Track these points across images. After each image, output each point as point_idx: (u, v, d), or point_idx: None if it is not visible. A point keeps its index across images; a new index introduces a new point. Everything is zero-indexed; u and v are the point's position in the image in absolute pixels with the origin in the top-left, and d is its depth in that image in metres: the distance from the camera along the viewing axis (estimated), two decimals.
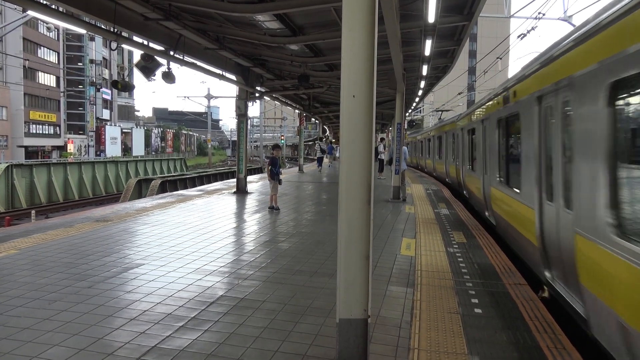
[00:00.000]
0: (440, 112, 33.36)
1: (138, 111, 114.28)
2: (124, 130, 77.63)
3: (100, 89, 72.60)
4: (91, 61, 70.65)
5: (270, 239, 8.80)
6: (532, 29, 14.67)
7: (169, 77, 11.23)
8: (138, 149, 77.63)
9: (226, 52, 12.67)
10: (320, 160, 32.22)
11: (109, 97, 78.81)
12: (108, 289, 5.59)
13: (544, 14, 13.14)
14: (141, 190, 24.00)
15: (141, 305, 5.07)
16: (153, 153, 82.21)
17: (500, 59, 19.99)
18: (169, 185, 23.16)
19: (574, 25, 14.06)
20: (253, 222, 10.56)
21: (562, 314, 5.62)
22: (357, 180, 3.49)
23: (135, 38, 10.12)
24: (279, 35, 11.69)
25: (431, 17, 8.18)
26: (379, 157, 24.48)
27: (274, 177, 12.22)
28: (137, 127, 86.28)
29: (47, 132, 61.93)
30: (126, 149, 75.18)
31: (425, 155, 30.92)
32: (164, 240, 8.26)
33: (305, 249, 7.96)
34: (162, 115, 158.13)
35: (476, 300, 5.58)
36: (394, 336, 4.50)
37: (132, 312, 4.84)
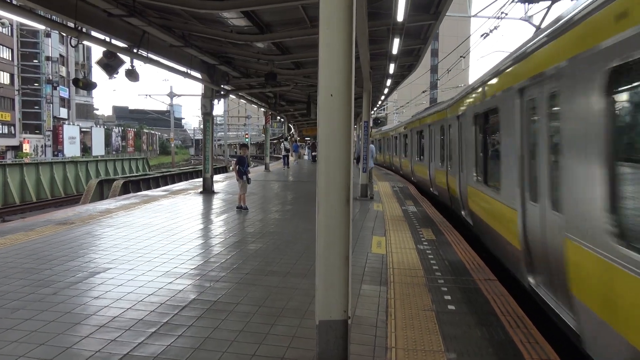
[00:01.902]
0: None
1: (97, 110, 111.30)
2: (82, 130, 75.40)
3: (57, 87, 70.28)
4: (47, 58, 68.30)
5: (240, 239, 8.68)
6: (495, 28, 14.98)
7: (132, 75, 10.92)
8: (98, 149, 75.55)
9: (192, 49, 12.44)
10: (285, 159, 32.52)
11: (66, 95, 76.37)
12: (74, 295, 5.38)
13: (506, 14, 13.42)
14: (103, 191, 23.33)
15: (110, 311, 4.89)
16: (114, 153, 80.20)
17: (464, 57, 20.34)
18: (131, 186, 22.60)
19: (534, 25, 14.42)
20: (222, 223, 10.40)
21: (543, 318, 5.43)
22: (335, 180, 3.45)
23: (97, 34, 9.78)
24: (246, 32, 11.55)
25: (400, 16, 8.23)
26: None
27: (242, 176, 12.07)
28: (96, 126, 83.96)
29: (0, 132, 59.58)
30: (85, 149, 73.05)
31: (392, 153, 31.05)
32: (131, 243, 8.03)
33: (276, 249, 7.89)
34: (123, 114, 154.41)
35: (449, 297, 5.64)
36: (370, 336, 4.49)
37: (101, 319, 4.67)
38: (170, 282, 5.93)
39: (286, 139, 39.87)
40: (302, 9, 9.80)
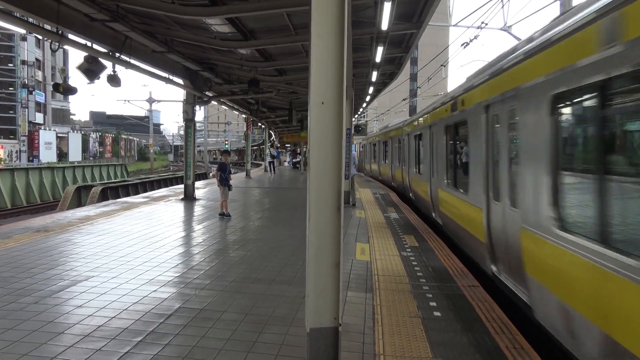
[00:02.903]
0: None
1: (74, 115, 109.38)
2: (59, 135, 74.03)
3: (33, 92, 68.96)
4: (23, 62, 67.02)
5: (224, 246, 8.63)
6: (475, 37, 15.22)
7: (114, 80, 10.80)
8: (75, 155, 74.21)
9: (174, 55, 12.36)
10: (271, 165, 33.43)
11: (42, 100, 74.98)
12: (56, 304, 5.28)
13: (486, 24, 13.66)
14: (80, 197, 22.95)
15: (94, 320, 4.81)
16: (91, 158, 78.87)
17: (444, 66, 20.61)
18: (110, 192, 22.28)
19: (513, 36, 14.71)
20: (205, 230, 10.32)
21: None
22: (327, 187, 3.46)
23: (78, 39, 9.65)
24: (230, 39, 11.52)
25: (384, 25, 8.31)
26: None
27: (224, 183, 12.01)
28: (73, 132, 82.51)
29: None
30: (62, 155, 71.73)
31: (371, 159, 31.53)
32: (113, 251, 7.91)
33: (261, 256, 7.85)
34: (100, 119, 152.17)
35: (434, 304, 5.68)
36: (358, 343, 4.49)
37: (85, 328, 4.59)
38: (155, 290, 5.86)
39: (272, 145, 40.09)
40: (286, 16, 9.83)
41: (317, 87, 3.44)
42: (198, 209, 13.71)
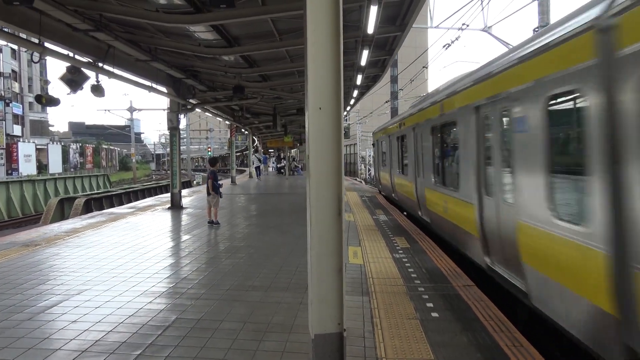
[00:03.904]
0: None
1: (52, 126, 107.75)
2: (38, 147, 72.80)
3: (10, 104, 67.76)
4: None
5: (216, 255, 8.56)
6: (457, 38, 15.38)
7: (98, 90, 10.67)
8: (55, 166, 72.90)
9: (158, 63, 12.27)
10: (257, 170, 34.21)
11: (20, 112, 73.74)
12: (50, 319, 5.18)
13: (467, 25, 13.81)
14: (64, 210, 22.57)
15: (91, 335, 4.73)
16: (72, 170, 77.64)
17: (426, 68, 20.77)
18: (94, 204, 21.95)
19: (494, 36, 14.90)
20: (195, 238, 10.23)
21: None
22: (327, 193, 3.46)
23: (60, 49, 9.52)
24: (214, 46, 11.48)
25: (370, 29, 8.35)
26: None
27: (216, 190, 11.95)
28: (52, 143, 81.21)
29: None
30: (41, 167, 70.53)
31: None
32: (103, 263, 7.80)
33: (254, 263, 7.81)
34: (80, 130, 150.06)
35: (431, 305, 5.71)
36: (359, 347, 4.50)
37: (82, 344, 4.51)
38: (150, 302, 5.79)
39: (256, 151, 40.25)
40: (271, 22, 9.83)
41: (314, 93, 3.44)
42: (186, 218, 13.60)
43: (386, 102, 36.17)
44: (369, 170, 50.77)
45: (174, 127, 15.90)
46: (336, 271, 3.50)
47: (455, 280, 6.75)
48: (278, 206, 16.62)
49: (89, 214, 15.40)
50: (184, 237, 10.47)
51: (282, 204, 17.34)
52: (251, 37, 11.31)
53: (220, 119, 28.17)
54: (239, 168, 52.82)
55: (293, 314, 5.33)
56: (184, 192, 22.82)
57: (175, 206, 15.72)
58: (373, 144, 21.43)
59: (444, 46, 16.21)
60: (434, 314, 5.38)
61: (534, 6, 13.93)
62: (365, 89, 20.20)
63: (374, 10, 7.78)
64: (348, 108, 28.10)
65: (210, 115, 27.13)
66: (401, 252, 8.67)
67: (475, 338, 4.70)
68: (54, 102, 10.26)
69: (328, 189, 3.48)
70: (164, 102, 16.09)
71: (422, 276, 6.98)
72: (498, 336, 4.74)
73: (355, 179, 40.44)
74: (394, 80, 71.88)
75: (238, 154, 68.33)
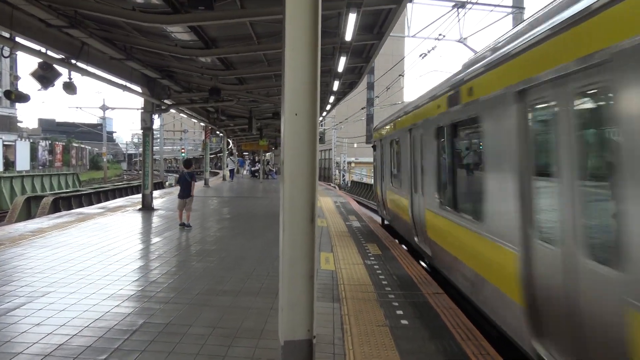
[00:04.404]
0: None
1: (21, 122, 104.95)
2: (5, 143, 70.83)
3: None
4: None
5: (187, 258, 8.46)
6: (433, 48, 15.60)
7: (70, 87, 10.45)
8: (23, 164, 71.02)
9: (133, 62, 12.10)
10: (231, 173, 34.82)
11: None
12: (12, 322, 5.03)
13: (444, 36, 14.04)
14: (30, 208, 21.95)
15: (55, 338, 4.62)
16: (40, 168, 75.79)
17: (402, 76, 21.01)
18: (62, 203, 21.40)
19: (469, 47, 15.16)
20: (166, 241, 10.09)
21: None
22: (300, 199, 3.46)
23: (33, 45, 9.30)
24: (191, 47, 11.38)
25: (349, 36, 8.41)
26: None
27: (191, 193, 11.85)
28: (21, 140, 79.14)
29: None
30: (8, 164, 68.61)
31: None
32: (70, 265, 7.62)
33: (226, 268, 7.75)
34: (50, 127, 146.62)
35: (401, 312, 5.75)
36: (329, 354, 4.50)
37: (45, 347, 4.39)
38: (117, 305, 5.68)
39: (231, 154, 40.24)
40: (249, 25, 9.80)
41: (291, 98, 3.44)
42: (157, 220, 13.40)
43: (362, 108, 36.37)
44: (343, 175, 50.96)
45: (147, 127, 15.68)
46: (307, 277, 3.49)
47: (425, 288, 6.81)
48: (251, 210, 16.53)
49: (57, 214, 15.03)
50: (155, 240, 10.31)
51: (255, 207, 17.25)
52: (229, 40, 11.25)
53: (195, 121, 27.89)
54: (212, 170, 52.30)
55: (263, 320, 5.30)
56: (156, 193, 22.51)
57: (147, 207, 15.49)
58: (374, 146, 15.58)
59: (420, 55, 16.43)
60: (404, 322, 5.42)
61: (509, 19, 14.27)
62: (341, 95, 20.29)
63: (352, 17, 7.84)
64: (324, 114, 28.18)
65: (185, 116, 26.86)
66: (373, 258, 8.71)
67: (443, 346, 4.75)
68: (24, 98, 9.99)
69: (301, 194, 3.47)
70: (138, 101, 15.87)
71: (392, 283, 7.03)
72: (465, 344, 4.80)
73: (329, 184, 40.48)
74: (370, 87, 72.44)
75: (212, 156, 67.72)
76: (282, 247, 3.52)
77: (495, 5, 14.37)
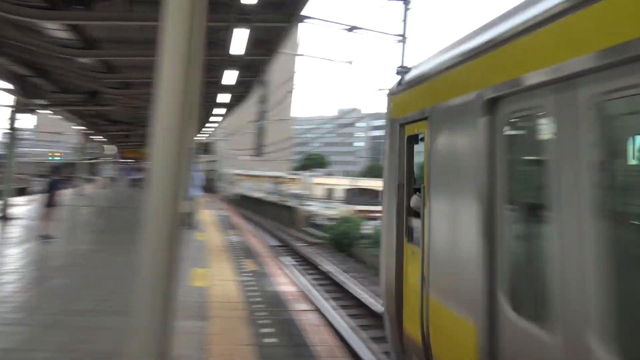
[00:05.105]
0: None
1: None
2: None
3: None
4: None
5: (44, 274, 7.79)
6: (321, 67, 16.14)
7: None
8: None
9: (1, 57, 11.02)
10: (112, 180, 34.82)
11: None
12: None
13: (332, 60, 14.58)
14: None
15: None
16: None
17: (290, 92, 21.41)
18: None
19: (356, 70, 15.84)
20: (23, 254, 9.22)
21: None
22: (163, 216, 3.33)
23: None
24: (69, 46, 10.62)
25: (236, 50, 8.39)
26: None
27: (55, 202, 10.95)
28: None
29: None
30: None
31: None
32: None
33: (85, 284, 7.26)
34: None
35: (269, 330, 5.75)
36: None
37: None
38: None
39: (114, 160, 38.41)
40: (140, 29, 9.40)
41: (162, 107, 3.36)
42: (16, 230, 12.20)
43: (249, 122, 36.31)
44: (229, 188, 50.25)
45: (13, 128, 14.32)
46: (166, 295, 3.35)
47: (295, 305, 6.90)
48: (126, 220, 15.68)
49: None
50: (9, 252, 9.36)
51: (130, 218, 16.38)
52: (115, 42, 10.70)
53: (74, 124, 26.04)
54: (89, 177, 48.98)
55: (119, 341, 5.01)
56: (20, 200, 20.52)
57: (5, 216, 14.03)
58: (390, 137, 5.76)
59: (309, 74, 16.88)
60: (270, 340, 5.42)
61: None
62: (229, 107, 20.09)
63: (240, 32, 7.84)
64: (207, 125, 27.59)
65: (64, 118, 24.95)
66: (248, 274, 8.68)
67: None
68: None
69: (165, 212, 3.35)
70: (9, 98, 14.49)
71: (264, 300, 7.04)
72: None
73: (214, 197, 39.70)
74: (262, 100, 72.67)
75: (91, 161, 63.38)
76: (140, 262, 3.35)
77: (382, 32, 15.13)
